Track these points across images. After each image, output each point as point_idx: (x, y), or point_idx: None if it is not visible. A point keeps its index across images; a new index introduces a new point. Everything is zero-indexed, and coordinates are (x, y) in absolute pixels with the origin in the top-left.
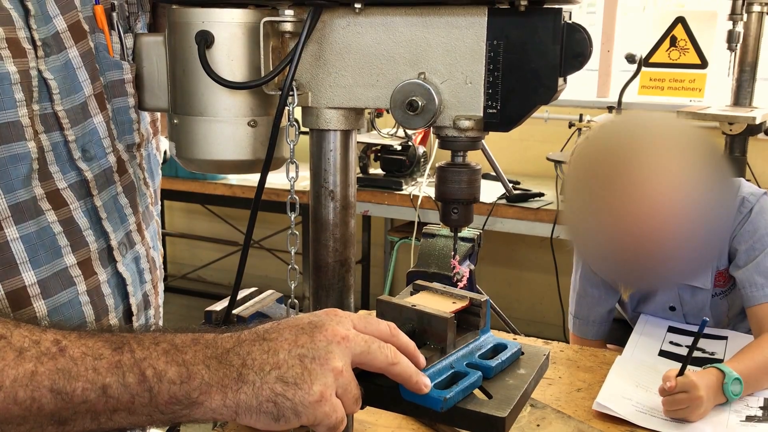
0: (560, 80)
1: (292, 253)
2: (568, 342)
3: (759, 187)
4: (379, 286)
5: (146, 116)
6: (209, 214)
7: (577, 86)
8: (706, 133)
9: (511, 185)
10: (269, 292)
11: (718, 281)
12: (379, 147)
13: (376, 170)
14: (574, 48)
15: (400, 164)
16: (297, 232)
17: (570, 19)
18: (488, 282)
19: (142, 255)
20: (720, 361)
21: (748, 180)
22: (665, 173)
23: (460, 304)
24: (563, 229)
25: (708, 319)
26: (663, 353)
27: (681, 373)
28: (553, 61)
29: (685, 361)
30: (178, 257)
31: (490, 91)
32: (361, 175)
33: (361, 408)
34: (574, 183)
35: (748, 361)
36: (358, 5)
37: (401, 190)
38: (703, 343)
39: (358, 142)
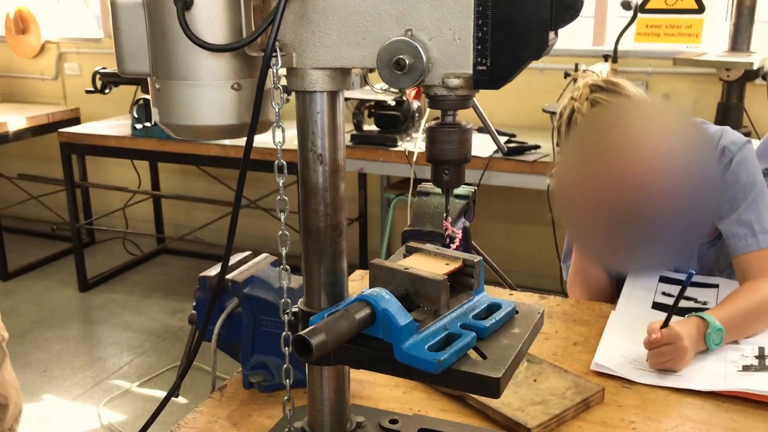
0: (551, 34)
1: (282, 218)
2: (565, 292)
3: (756, 133)
4: (376, 244)
5: None
6: (204, 175)
7: (573, 35)
8: (698, 81)
9: (506, 138)
10: (263, 255)
11: None
12: (372, 103)
13: (370, 127)
14: (565, 0)
15: (394, 120)
16: (286, 198)
17: None
18: (485, 236)
19: None
20: None
21: (744, 126)
22: (653, 152)
23: (452, 266)
24: (556, 213)
25: (694, 271)
26: (656, 305)
27: (665, 324)
28: (544, 14)
29: (670, 312)
30: (175, 219)
31: (480, 47)
32: (355, 132)
33: (357, 369)
34: (565, 174)
35: (730, 308)
36: None
37: (396, 146)
38: (694, 292)
39: (351, 99)
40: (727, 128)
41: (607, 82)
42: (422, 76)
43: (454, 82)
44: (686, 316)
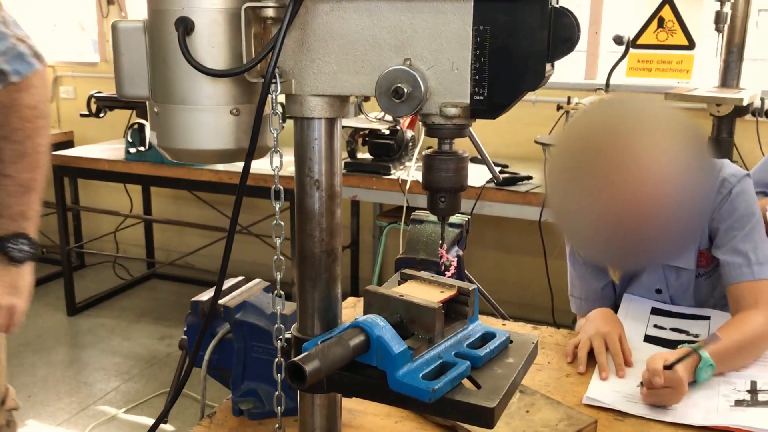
0: (548, 66)
1: (278, 243)
2: (556, 324)
3: (746, 168)
4: (368, 272)
5: None
6: (196, 200)
7: (565, 68)
8: (690, 116)
9: (499, 169)
10: (257, 281)
11: (701, 262)
12: (367, 131)
13: (364, 155)
14: (562, 33)
15: (388, 149)
16: (282, 222)
17: (558, 2)
18: (477, 265)
19: None
20: None
21: (734, 161)
22: (651, 155)
23: (447, 294)
24: (549, 213)
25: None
26: (648, 338)
27: (670, 367)
28: (541, 46)
29: (678, 360)
30: (166, 244)
31: (477, 77)
32: (349, 159)
33: (350, 397)
34: (560, 165)
35: (723, 341)
36: None
37: (390, 174)
38: (686, 324)
39: (345, 127)
40: (727, 161)
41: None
42: (420, 105)
43: (452, 111)
44: (678, 347)
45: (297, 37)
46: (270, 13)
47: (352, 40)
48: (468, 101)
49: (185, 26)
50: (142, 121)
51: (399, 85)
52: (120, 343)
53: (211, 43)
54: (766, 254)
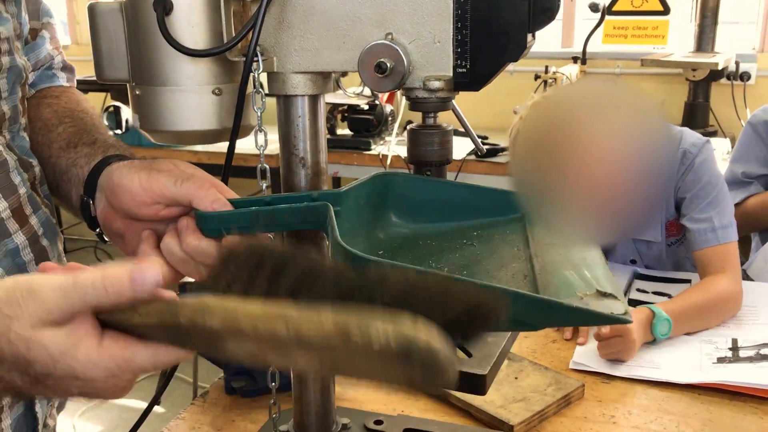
0: (529, 36)
1: None
2: None
3: (722, 132)
4: None
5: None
6: None
7: (542, 37)
8: (665, 81)
9: (479, 141)
10: None
11: (670, 231)
12: (345, 107)
13: (344, 131)
14: (543, 3)
15: (367, 124)
16: None
17: None
18: None
19: (21, 246)
20: None
21: (711, 125)
22: (608, 136)
23: None
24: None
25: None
26: (631, 302)
27: None
28: (522, 17)
29: None
30: None
31: (459, 50)
32: (329, 136)
33: None
34: (523, 154)
35: (682, 301)
36: None
37: (370, 150)
38: (667, 287)
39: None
40: (686, 129)
41: None
42: (403, 79)
43: (435, 84)
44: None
45: (277, 14)
46: None
47: (332, 15)
48: (451, 74)
49: (164, 6)
50: (117, 103)
51: (381, 60)
52: None
53: (191, 23)
54: (730, 218)
